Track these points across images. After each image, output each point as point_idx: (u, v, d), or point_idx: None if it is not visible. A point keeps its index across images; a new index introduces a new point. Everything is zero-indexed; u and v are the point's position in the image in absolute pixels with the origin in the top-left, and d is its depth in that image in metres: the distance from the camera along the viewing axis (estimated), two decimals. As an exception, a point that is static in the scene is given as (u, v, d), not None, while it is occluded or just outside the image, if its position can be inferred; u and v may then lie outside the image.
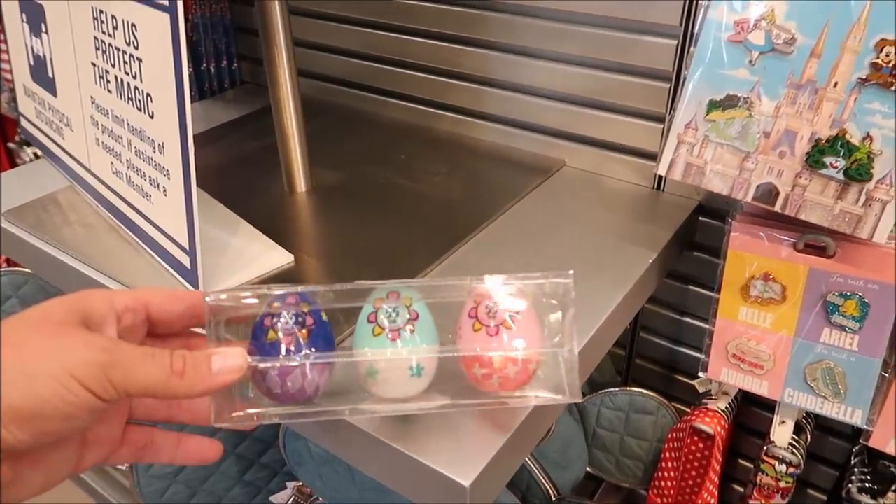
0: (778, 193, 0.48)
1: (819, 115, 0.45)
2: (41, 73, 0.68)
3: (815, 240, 0.51)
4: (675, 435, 0.68)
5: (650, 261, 0.57)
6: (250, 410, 0.36)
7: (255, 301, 0.36)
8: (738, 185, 0.50)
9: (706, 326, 0.62)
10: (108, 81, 0.55)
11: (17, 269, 0.80)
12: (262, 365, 0.35)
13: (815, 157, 0.46)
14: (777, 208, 0.49)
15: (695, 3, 0.58)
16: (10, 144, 1.32)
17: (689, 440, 0.66)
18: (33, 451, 0.30)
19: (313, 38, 0.85)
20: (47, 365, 0.29)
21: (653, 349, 0.77)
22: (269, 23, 0.61)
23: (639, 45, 0.63)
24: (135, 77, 0.51)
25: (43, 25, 0.64)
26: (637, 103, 0.65)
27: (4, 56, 1.11)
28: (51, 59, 0.65)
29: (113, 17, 0.52)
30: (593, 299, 0.52)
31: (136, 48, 0.50)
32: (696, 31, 0.49)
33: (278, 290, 0.37)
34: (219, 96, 0.94)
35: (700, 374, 0.60)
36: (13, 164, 1.35)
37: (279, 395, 0.36)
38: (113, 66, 0.54)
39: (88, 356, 0.30)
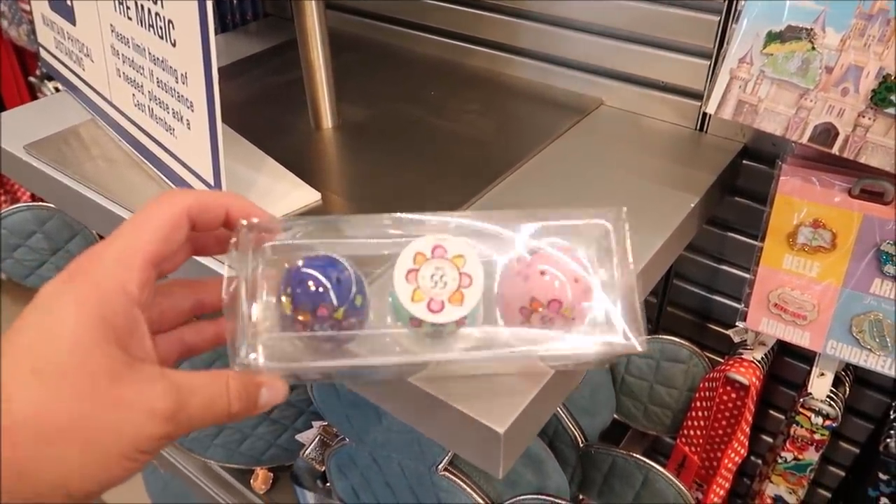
0: (837, 134, 0.45)
1: (890, 49, 0.42)
2: (59, 1, 0.66)
3: (872, 185, 0.48)
4: (707, 384, 0.67)
5: (692, 206, 0.54)
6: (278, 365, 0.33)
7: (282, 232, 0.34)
8: (794, 124, 0.47)
9: (744, 275, 0.60)
10: (127, 8, 0.53)
11: (41, 203, 0.79)
12: (298, 331, 0.32)
13: (881, 95, 0.43)
14: (835, 150, 0.46)
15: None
16: (32, 79, 1.30)
17: (721, 390, 0.64)
18: None
19: (339, -33, 0.81)
20: (115, 446, 0.27)
21: (686, 297, 0.75)
22: (294, -53, 0.57)
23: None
24: (156, 2, 0.49)
25: (59, -51, 0.62)
26: (682, 37, 0.61)
27: (22, -13, 1.08)
28: (68, -14, 0.63)
29: (131, -63, 0.49)
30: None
31: (157, -30, 0.47)
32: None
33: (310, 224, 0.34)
34: (241, 28, 0.90)
35: (738, 323, 0.58)
36: (34, 98, 1.33)
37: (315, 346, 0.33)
38: (133, -10, 0.51)
39: (153, 430, 0.28)
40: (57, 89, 1.20)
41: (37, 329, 0.28)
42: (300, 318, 0.32)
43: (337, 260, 0.33)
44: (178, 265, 0.35)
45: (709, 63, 0.61)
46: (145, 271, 0.31)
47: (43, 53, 0.76)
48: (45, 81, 1.24)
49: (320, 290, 0.32)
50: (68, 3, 0.64)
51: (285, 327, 0.32)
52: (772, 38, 0.45)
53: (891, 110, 0.43)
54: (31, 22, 1.15)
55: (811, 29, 0.44)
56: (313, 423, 0.76)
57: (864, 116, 0.44)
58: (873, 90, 0.43)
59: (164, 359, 0.34)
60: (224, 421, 0.32)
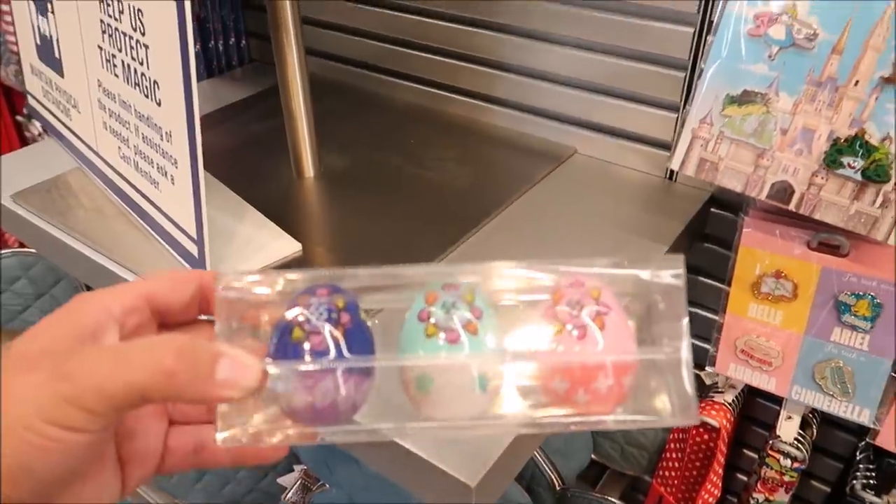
0: (793, 192, 0.47)
1: (838, 114, 0.44)
2: (48, 53, 0.68)
3: (829, 238, 0.50)
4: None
5: (662, 254, 0.56)
6: (262, 431, 0.29)
7: (268, 290, 0.30)
8: (753, 182, 0.49)
9: (714, 318, 0.62)
10: (114, 66, 0.55)
11: (26, 249, 0.80)
12: (283, 371, 0.28)
13: (832, 157, 0.45)
14: (792, 207, 0.48)
15: (714, -10, 0.57)
16: (19, 118, 1.31)
17: (694, 431, 0.66)
18: (59, 494, 0.27)
19: (323, 17, 0.84)
20: (17, 412, 0.25)
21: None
22: (277, 2, 0.59)
23: (654, 32, 0.61)
24: (142, 63, 0.51)
25: (49, 5, 0.64)
26: (651, 92, 0.64)
27: (10, 28, 1.10)
28: (57, 40, 0.64)
29: (119, 1, 0.51)
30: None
31: (143, 34, 0.49)
32: (713, 19, 0.48)
33: (299, 276, 0.30)
34: (227, 74, 0.93)
35: (707, 367, 0.60)
36: (22, 137, 1.35)
37: (303, 413, 0.29)
38: (120, 50, 0.53)
39: (48, 389, 0.25)
40: (45, 129, 1.21)
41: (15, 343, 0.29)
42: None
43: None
44: (184, 319, 0.33)
45: (676, 115, 0.63)
46: (134, 300, 0.30)
47: (30, 100, 0.78)
48: (33, 120, 1.26)
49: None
50: (57, 55, 0.66)
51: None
52: (730, 100, 0.48)
53: (842, 171, 0.45)
54: (19, 62, 1.17)
55: (766, 93, 0.46)
56: (294, 466, 0.77)
57: (817, 176, 0.46)
58: (825, 152, 0.45)
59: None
60: (162, 385, 0.26)
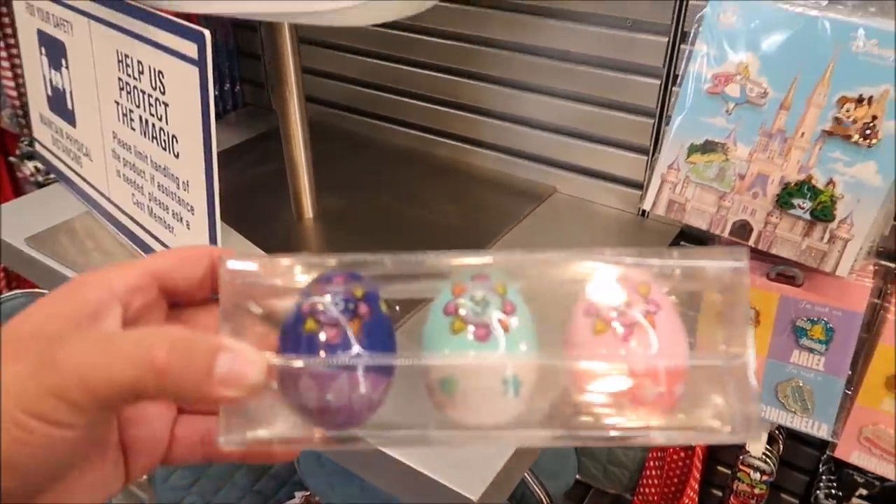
0: (752, 230, 0.53)
1: (788, 161, 0.50)
2: (60, 104, 0.72)
3: (785, 270, 0.56)
4: (658, 444, 0.73)
5: (636, 286, 0.62)
6: (270, 433, 0.26)
7: (279, 274, 0.27)
8: (716, 221, 0.55)
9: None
10: (131, 120, 0.59)
11: (37, 290, 0.83)
12: (293, 365, 0.25)
13: (784, 199, 0.51)
14: (751, 243, 0.54)
15: (677, 47, 0.63)
16: (11, 158, 1.34)
17: (671, 449, 0.71)
18: (52, 486, 0.25)
19: (318, 66, 0.89)
20: (1, 404, 0.23)
21: (638, 363, 0.82)
22: (279, 56, 0.64)
23: (625, 84, 0.67)
24: (160, 119, 0.55)
25: (63, 61, 0.68)
26: (623, 136, 0.70)
27: (6, 73, 1.14)
28: (70, 93, 0.69)
29: (139, 62, 0.55)
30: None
31: (163, 93, 0.54)
32: (678, 72, 0.54)
33: (314, 259, 0.27)
34: (222, 120, 0.97)
35: (682, 389, 0.65)
36: (13, 178, 1.37)
37: (315, 413, 0.26)
38: (137, 106, 0.58)
39: (32, 379, 0.23)
40: (37, 168, 1.24)
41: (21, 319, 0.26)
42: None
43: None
44: (196, 299, 0.31)
45: (646, 158, 0.69)
46: (139, 277, 0.28)
47: (39, 147, 0.82)
48: (25, 161, 1.29)
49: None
50: (69, 107, 0.70)
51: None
52: (693, 149, 0.53)
53: (793, 211, 0.51)
54: (16, 107, 1.20)
55: (725, 143, 0.52)
56: (295, 493, 0.80)
57: (772, 216, 0.52)
58: (777, 195, 0.51)
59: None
60: (153, 382, 0.23)
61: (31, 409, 0.23)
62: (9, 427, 0.23)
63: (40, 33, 0.71)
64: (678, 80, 0.54)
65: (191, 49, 0.48)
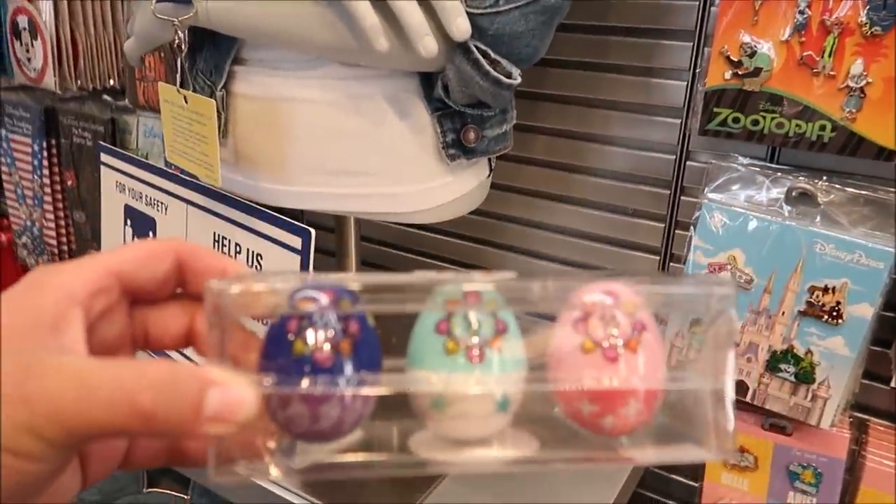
0: (748, 388, 0.64)
1: (773, 334, 0.62)
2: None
3: (777, 422, 0.66)
4: (671, 581, 0.80)
5: (650, 434, 0.71)
6: (270, 457, 0.26)
7: (265, 288, 0.26)
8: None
9: (694, 484, 0.76)
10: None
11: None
12: (282, 393, 0.24)
13: (772, 364, 0.62)
14: (748, 399, 0.64)
15: (673, 232, 0.77)
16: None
17: (684, 586, 0.77)
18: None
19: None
20: None
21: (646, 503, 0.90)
22: (344, 237, 0.76)
23: (630, 258, 0.81)
24: (252, 291, 0.65)
25: (151, 233, 0.79)
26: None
27: (49, 224, 1.24)
28: (153, 260, 0.79)
29: (237, 244, 0.67)
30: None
31: (260, 270, 0.64)
32: (674, 251, 0.67)
33: (299, 277, 0.27)
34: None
35: (692, 528, 0.73)
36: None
37: (305, 433, 0.26)
38: (228, 278, 0.68)
39: (6, 414, 0.22)
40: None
41: None
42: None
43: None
44: (162, 295, 0.30)
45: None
46: (100, 279, 0.27)
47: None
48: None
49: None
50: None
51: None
52: (695, 322, 0.65)
53: (780, 374, 0.62)
54: (54, 254, 1.29)
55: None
56: None
57: (763, 377, 0.63)
58: (766, 360, 0.63)
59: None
60: (137, 427, 0.22)
61: (4, 443, 0.22)
62: None
63: (128, 209, 0.82)
64: (681, 260, 0.67)
65: (295, 241, 0.60)
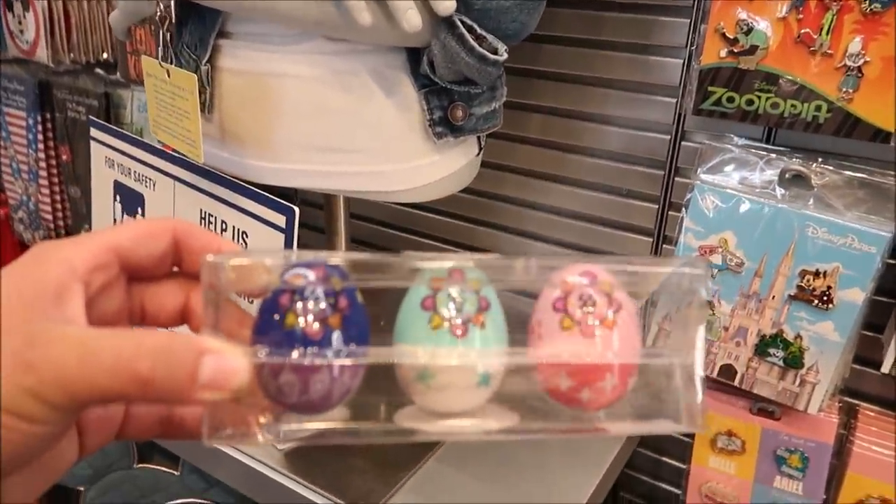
0: (736, 372, 0.64)
1: (763, 318, 0.62)
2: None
3: (765, 406, 0.66)
4: (658, 562, 0.80)
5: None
6: (260, 424, 0.27)
7: (260, 263, 0.28)
8: (706, 363, 0.65)
9: (682, 467, 0.76)
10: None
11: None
12: (274, 363, 0.25)
13: (761, 348, 0.62)
14: (736, 383, 0.64)
15: (666, 213, 0.76)
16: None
17: (671, 567, 0.77)
18: (18, 470, 0.25)
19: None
20: None
21: (637, 485, 0.90)
22: (334, 215, 0.75)
23: (623, 239, 0.80)
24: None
25: (140, 209, 0.78)
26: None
27: (45, 199, 1.24)
28: (142, 236, 0.79)
29: (223, 221, 0.66)
30: (596, 445, 0.65)
31: (245, 248, 0.64)
32: (667, 233, 0.66)
33: (292, 253, 0.28)
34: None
35: (679, 510, 0.73)
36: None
37: (296, 404, 0.27)
38: (215, 256, 0.68)
39: (10, 378, 0.23)
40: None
41: None
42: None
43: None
44: (159, 273, 0.31)
45: (643, 305, 0.81)
46: (100, 256, 0.28)
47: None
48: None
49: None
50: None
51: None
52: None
53: (769, 358, 0.62)
54: (50, 229, 1.29)
55: (711, 301, 0.63)
56: None
57: (752, 361, 0.63)
58: (755, 344, 0.62)
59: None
60: (134, 392, 0.24)
61: (8, 407, 0.23)
62: None
63: (118, 184, 0.81)
64: (673, 242, 0.66)
65: (279, 219, 0.59)
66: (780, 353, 0.61)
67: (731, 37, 0.58)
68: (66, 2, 1.02)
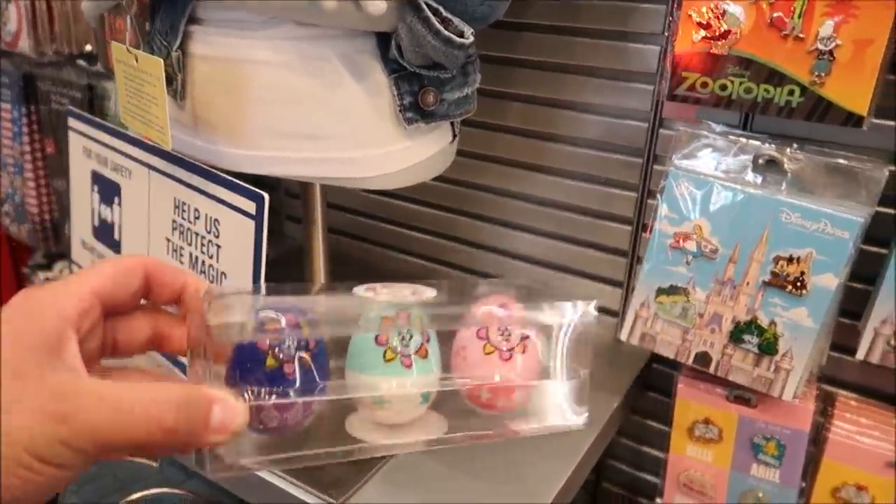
0: (711, 359, 0.63)
1: (737, 304, 0.61)
2: (106, 234, 0.81)
3: (741, 394, 0.65)
4: (639, 552, 0.80)
5: (615, 405, 0.71)
6: (249, 460, 0.33)
7: (236, 308, 0.33)
8: (682, 351, 0.65)
9: (661, 455, 0.75)
10: (181, 255, 0.69)
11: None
12: (265, 404, 0.32)
13: (736, 335, 0.61)
14: (711, 370, 0.63)
15: (645, 201, 0.75)
16: (24, 269, 1.42)
17: (650, 556, 0.77)
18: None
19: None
20: (9, 449, 0.25)
21: (617, 475, 0.89)
22: (310, 201, 0.75)
23: (603, 228, 0.79)
24: (211, 257, 0.65)
25: (116, 199, 0.78)
26: (601, 272, 0.81)
27: (31, 193, 1.23)
28: (119, 226, 0.78)
29: (196, 209, 0.66)
30: (570, 437, 0.65)
31: (217, 237, 0.64)
32: (646, 221, 0.66)
33: (266, 299, 0.34)
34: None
35: (657, 499, 0.73)
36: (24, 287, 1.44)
37: (273, 429, 0.32)
38: (189, 244, 0.67)
39: (42, 429, 0.26)
40: (48, 279, 1.32)
41: None
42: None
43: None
44: (131, 307, 0.35)
45: (621, 290, 0.80)
46: (87, 301, 0.30)
47: (77, 269, 0.90)
48: (37, 272, 1.36)
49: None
50: (116, 238, 0.79)
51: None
52: (661, 291, 0.64)
53: (744, 345, 0.61)
54: (35, 223, 1.29)
55: (686, 288, 0.63)
56: None
57: (727, 348, 0.62)
58: (730, 331, 0.62)
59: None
60: (160, 441, 0.27)
61: (39, 454, 0.26)
62: (14, 468, 0.26)
63: (95, 174, 0.81)
64: (647, 229, 0.66)
65: (250, 206, 0.59)
66: (755, 340, 0.61)
67: (704, 21, 0.58)
68: (49, -7, 1.01)
